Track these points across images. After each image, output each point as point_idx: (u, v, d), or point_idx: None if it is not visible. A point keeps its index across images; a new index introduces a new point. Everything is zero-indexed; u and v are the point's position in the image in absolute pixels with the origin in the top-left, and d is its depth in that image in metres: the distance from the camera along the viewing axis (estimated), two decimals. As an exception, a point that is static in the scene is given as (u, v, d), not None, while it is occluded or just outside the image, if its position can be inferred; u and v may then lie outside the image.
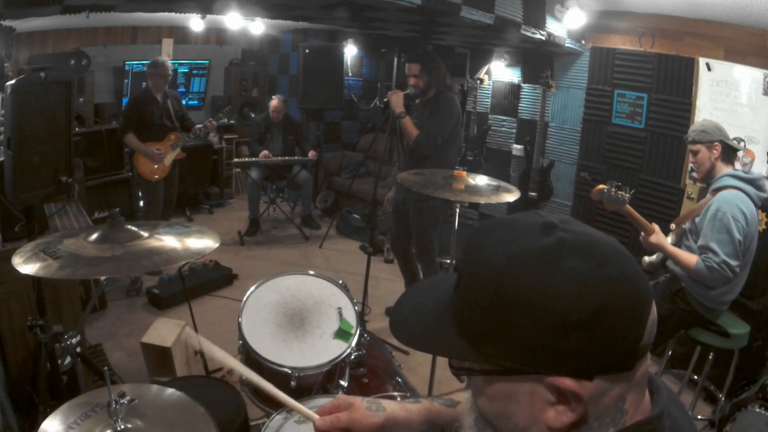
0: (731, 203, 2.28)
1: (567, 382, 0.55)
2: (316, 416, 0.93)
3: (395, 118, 3.34)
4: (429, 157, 3.28)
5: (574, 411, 0.57)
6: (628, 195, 2.51)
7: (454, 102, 3.36)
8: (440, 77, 3.35)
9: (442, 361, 1.71)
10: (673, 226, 2.65)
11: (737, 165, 3.16)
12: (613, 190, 2.50)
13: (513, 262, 0.57)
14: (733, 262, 2.25)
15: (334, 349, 1.84)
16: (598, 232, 0.61)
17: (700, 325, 2.52)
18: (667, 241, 2.53)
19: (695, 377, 2.85)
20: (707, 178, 2.48)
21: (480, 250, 0.61)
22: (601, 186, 2.54)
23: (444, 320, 0.64)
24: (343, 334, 1.89)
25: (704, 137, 2.42)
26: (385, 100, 3.34)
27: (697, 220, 2.43)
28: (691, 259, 2.36)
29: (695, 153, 2.47)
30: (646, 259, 2.78)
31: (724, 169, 2.42)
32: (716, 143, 2.40)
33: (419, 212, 3.44)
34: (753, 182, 2.35)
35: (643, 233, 2.55)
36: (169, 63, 4.32)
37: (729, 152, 2.43)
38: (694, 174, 2.59)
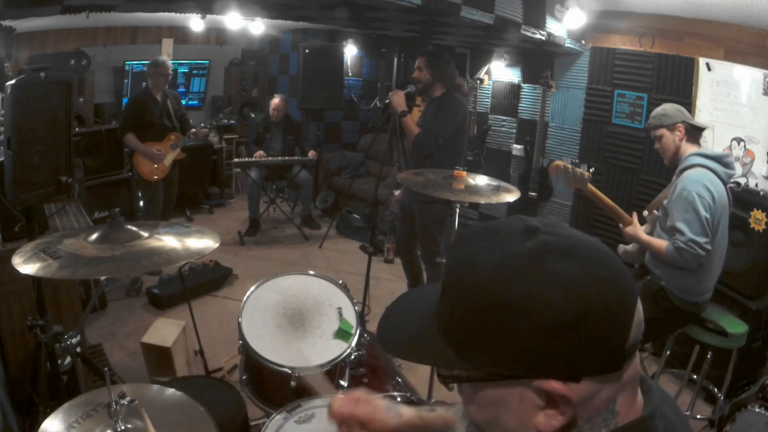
0: (695, 181, 2.25)
1: (555, 385, 0.55)
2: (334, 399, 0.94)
3: (397, 118, 3.34)
4: (429, 157, 3.27)
5: (563, 414, 0.57)
6: (587, 173, 2.47)
7: (460, 103, 3.35)
8: (446, 76, 3.34)
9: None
10: (645, 213, 2.62)
11: (737, 165, 3.17)
12: (570, 167, 2.47)
13: (497, 268, 0.57)
14: (701, 239, 2.21)
15: (334, 349, 1.84)
16: (581, 233, 0.61)
17: (692, 323, 2.52)
18: (643, 230, 2.51)
19: (694, 377, 2.86)
20: (674, 161, 2.45)
21: (464, 258, 0.61)
22: (557, 162, 2.50)
23: (430, 329, 0.64)
24: (343, 334, 1.89)
25: (666, 120, 2.40)
26: (387, 101, 3.34)
27: (665, 203, 2.40)
28: (662, 245, 2.33)
29: (659, 138, 2.44)
30: (621, 247, 2.74)
31: (690, 149, 2.39)
32: (678, 124, 2.38)
33: (424, 214, 3.44)
34: (719, 159, 2.31)
35: (621, 224, 2.53)
36: (169, 62, 4.32)
37: (693, 132, 2.40)
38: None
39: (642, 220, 2.57)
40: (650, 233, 2.54)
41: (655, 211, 2.55)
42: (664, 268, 2.42)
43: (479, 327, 0.57)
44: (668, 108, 2.43)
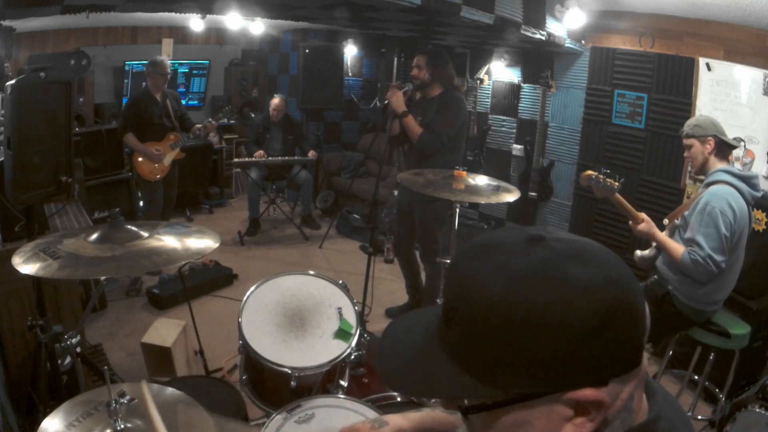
0: (720, 198, 2.26)
1: (588, 393, 0.54)
2: None
3: (396, 118, 3.32)
4: (430, 157, 3.27)
5: (593, 420, 0.56)
6: (617, 183, 2.49)
7: (462, 102, 3.34)
8: (446, 75, 3.33)
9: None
10: (666, 221, 2.64)
11: (737, 165, 3.17)
12: (602, 177, 2.48)
13: (514, 283, 0.55)
14: (719, 258, 2.23)
15: (334, 349, 1.84)
16: (579, 236, 0.61)
17: (691, 327, 2.52)
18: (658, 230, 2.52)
19: (696, 377, 2.85)
20: (701, 172, 2.47)
21: (473, 280, 0.58)
22: (589, 172, 2.51)
23: (438, 360, 0.60)
24: (343, 334, 1.89)
25: (698, 131, 2.40)
26: (386, 101, 3.33)
27: (686, 214, 2.42)
28: (678, 249, 2.35)
29: (689, 147, 2.45)
30: (638, 253, 2.75)
31: (718, 164, 2.40)
32: (709, 138, 2.38)
33: (424, 213, 3.43)
34: (747, 180, 2.33)
35: (631, 222, 2.54)
36: (168, 62, 4.32)
37: (723, 148, 2.41)
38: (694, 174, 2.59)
39: (659, 228, 2.57)
40: None
41: (676, 221, 2.55)
42: (677, 273, 2.43)
43: (504, 348, 0.54)
44: (702, 120, 2.44)
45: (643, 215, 2.50)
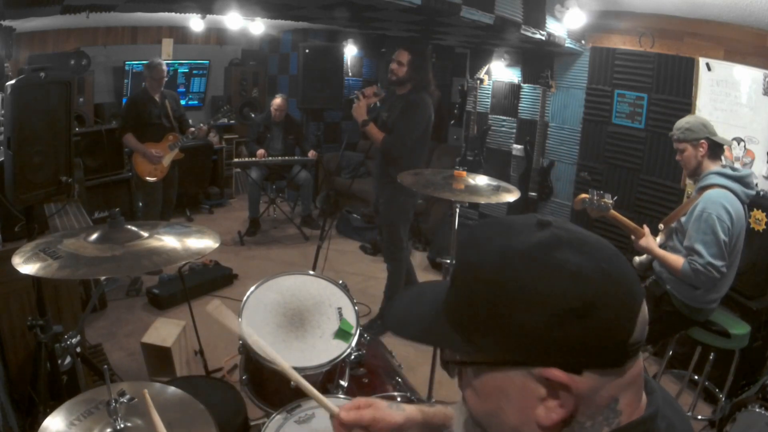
0: (716, 203, 2.26)
1: (556, 373, 0.56)
2: (336, 410, 0.96)
3: (364, 124, 3.32)
4: (398, 158, 3.25)
5: (563, 407, 0.57)
6: (611, 201, 2.50)
7: (427, 105, 3.32)
8: (421, 76, 3.32)
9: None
10: (661, 226, 2.63)
11: (737, 164, 3.17)
12: (595, 198, 2.49)
13: (507, 256, 0.59)
14: (719, 263, 2.23)
15: (334, 349, 1.84)
16: (592, 233, 0.62)
17: (691, 327, 2.52)
18: (656, 242, 2.52)
19: (696, 377, 2.85)
20: (694, 174, 2.47)
21: (475, 246, 0.63)
22: (583, 195, 2.53)
23: (438, 315, 0.66)
24: (343, 334, 1.89)
25: (690, 135, 2.38)
26: (356, 94, 3.32)
27: (683, 219, 2.41)
28: (678, 261, 2.34)
29: (681, 151, 2.44)
30: (636, 259, 2.76)
31: (711, 166, 2.39)
32: (702, 141, 2.37)
33: (389, 207, 3.43)
34: (740, 180, 2.32)
35: (633, 236, 2.54)
36: (164, 65, 4.32)
37: (715, 149, 2.39)
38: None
39: (654, 231, 2.57)
40: (663, 245, 2.55)
41: (672, 225, 2.54)
42: (672, 273, 2.42)
43: (488, 313, 0.58)
44: (693, 122, 2.40)
45: (645, 230, 2.50)
